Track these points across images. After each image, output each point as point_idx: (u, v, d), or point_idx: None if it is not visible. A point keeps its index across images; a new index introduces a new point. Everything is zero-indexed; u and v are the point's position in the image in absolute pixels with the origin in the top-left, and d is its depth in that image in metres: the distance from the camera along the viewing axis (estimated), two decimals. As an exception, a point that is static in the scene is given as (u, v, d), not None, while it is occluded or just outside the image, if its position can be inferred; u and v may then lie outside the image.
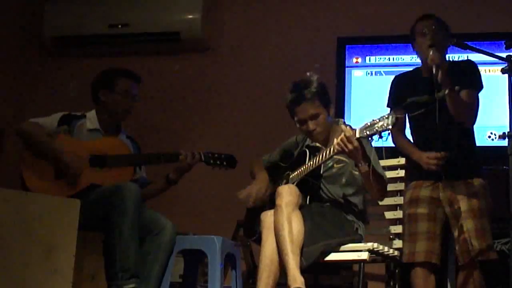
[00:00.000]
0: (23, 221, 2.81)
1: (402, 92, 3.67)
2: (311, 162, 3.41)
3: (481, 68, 4.58)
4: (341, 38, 5.04)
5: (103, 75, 3.74)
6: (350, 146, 3.15)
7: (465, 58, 3.72)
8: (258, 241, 3.47)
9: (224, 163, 3.75)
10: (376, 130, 3.08)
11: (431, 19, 3.66)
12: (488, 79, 4.46)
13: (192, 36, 5.23)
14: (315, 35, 5.20)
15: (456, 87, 3.39)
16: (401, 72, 3.84)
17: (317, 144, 3.57)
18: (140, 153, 3.82)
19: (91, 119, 3.68)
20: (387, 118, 3.05)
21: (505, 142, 3.08)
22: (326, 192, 3.49)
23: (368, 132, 3.12)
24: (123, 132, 3.80)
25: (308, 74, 3.56)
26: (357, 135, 3.16)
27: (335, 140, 3.24)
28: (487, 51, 3.33)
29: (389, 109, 3.70)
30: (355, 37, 5.05)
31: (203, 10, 5.21)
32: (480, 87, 3.61)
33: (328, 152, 3.31)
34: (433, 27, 3.55)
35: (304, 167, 3.46)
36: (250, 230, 3.65)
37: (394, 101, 3.72)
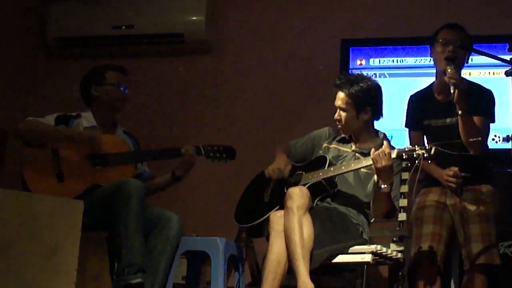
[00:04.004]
0: (27, 222, 2.81)
1: (418, 114, 3.72)
2: (343, 167, 3.41)
3: (485, 71, 4.62)
4: (345, 40, 5.03)
5: (91, 73, 3.77)
6: (384, 163, 3.17)
7: (487, 87, 3.72)
8: (253, 232, 3.47)
9: (224, 155, 3.75)
10: (414, 157, 3.12)
11: (458, 30, 3.64)
12: (491, 81, 4.46)
13: (196, 37, 5.23)
14: (319, 37, 5.20)
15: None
16: (416, 92, 3.84)
17: (345, 149, 3.59)
18: (139, 147, 3.83)
19: (87, 118, 3.68)
20: (428, 149, 3.10)
21: (509, 145, 3.08)
22: (344, 198, 3.49)
23: (405, 156, 3.16)
24: (120, 127, 3.80)
25: (367, 75, 3.64)
26: (394, 155, 3.18)
27: (372, 151, 3.24)
28: (491, 53, 3.33)
29: (407, 129, 3.77)
30: (359, 39, 5.05)
31: (207, 11, 5.21)
32: (493, 119, 3.64)
33: (363, 162, 3.34)
34: (458, 40, 3.54)
35: (324, 170, 3.45)
36: (244, 217, 3.60)
37: (412, 122, 3.77)
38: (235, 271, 3.71)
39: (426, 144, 3.16)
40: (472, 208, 3.48)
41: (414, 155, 3.12)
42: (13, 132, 3.57)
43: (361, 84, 3.49)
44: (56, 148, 3.49)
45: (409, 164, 3.24)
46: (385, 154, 3.17)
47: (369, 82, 3.53)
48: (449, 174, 3.49)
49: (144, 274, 3.20)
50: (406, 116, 3.80)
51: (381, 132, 3.60)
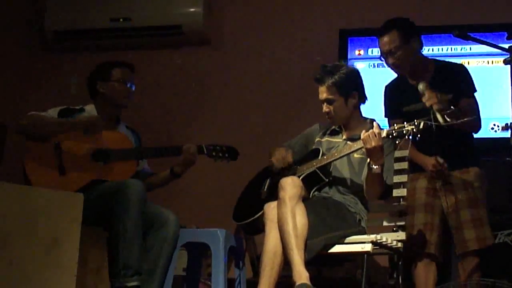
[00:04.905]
0: (27, 215, 2.82)
1: (395, 102, 3.73)
2: (335, 153, 3.42)
3: (483, 60, 4.62)
4: (343, 30, 5.03)
5: (98, 68, 3.76)
6: (374, 143, 3.18)
7: (456, 62, 3.75)
8: (250, 230, 3.47)
9: (226, 155, 3.76)
10: (404, 133, 3.12)
11: (385, 35, 3.63)
12: (490, 70, 4.46)
13: (194, 29, 5.23)
14: (317, 27, 5.20)
15: (449, 96, 3.42)
16: (390, 82, 3.86)
17: (336, 139, 3.60)
18: (140, 143, 3.83)
19: (90, 113, 3.66)
20: (417, 124, 3.10)
21: (507, 133, 3.09)
22: (341, 186, 3.49)
23: (395, 134, 3.16)
24: (122, 123, 3.79)
25: (342, 62, 3.67)
26: (384, 135, 3.19)
27: (363, 132, 3.25)
28: (490, 42, 3.33)
29: (386, 119, 3.78)
30: (357, 29, 5.04)
31: (205, 3, 5.21)
32: (475, 90, 3.65)
33: (354, 146, 3.34)
34: (389, 48, 3.58)
35: (317, 160, 3.46)
36: (241, 215, 3.60)
37: (390, 112, 3.77)
38: (236, 263, 3.72)
39: (416, 122, 3.14)
40: (461, 193, 3.51)
41: (404, 132, 3.14)
42: (16, 127, 3.56)
43: (341, 71, 3.51)
44: (58, 142, 3.49)
45: (399, 141, 3.25)
46: (375, 135, 3.19)
47: (348, 68, 3.58)
48: (435, 165, 3.50)
49: (140, 277, 3.20)
50: (385, 106, 3.83)
51: (369, 119, 3.62)
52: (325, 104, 3.53)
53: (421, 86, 3.34)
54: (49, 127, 3.51)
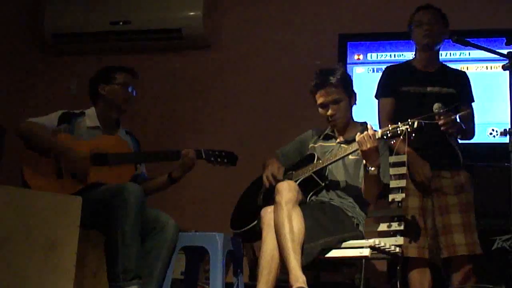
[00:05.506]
0: (25, 219, 2.82)
1: (395, 82, 3.73)
2: (331, 157, 3.43)
3: (482, 65, 4.64)
4: (342, 35, 5.03)
5: (101, 71, 3.77)
6: (369, 145, 3.19)
7: (460, 69, 3.83)
8: (248, 237, 3.46)
9: (225, 160, 3.76)
10: (398, 133, 3.13)
11: (429, 9, 3.73)
12: (489, 76, 4.47)
13: (194, 32, 5.23)
14: (317, 32, 5.21)
15: (451, 90, 3.56)
16: (393, 64, 3.88)
17: (330, 144, 3.60)
18: (139, 148, 3.83)
19: (91, 117, 3.68)
20: (411, 124, 3.11)
21: (506, 139, 3.09)
22: (339, 189, 3.50)
23: (390, 134, 3.16)
24: (122, 128, 3.80)
25: (336, 64, 3.72)
26: (378, 136, 3.20)
27: (358, 134, 3.26)
28: (488, 47, 3.34)
29: (377, 100, 3.80)
30: (356, 34, 5.05)
31: (204, 6, 5.21)
32: (473, 100, 3.76)
33: (349, 149, 3.35)
34: (429, 18, 3.66)
35: (313, 164, 3.47)
36: (238, 223, 3.61)
37: (386, 89, 3.76)
38: (234, 266, 3.72)
39: (410, 121, 3.16)
40: (452, 196, 3.53)
41: (398, 132, 3.15)
42: (15, 131, 3.57)
43: (340, 70, 3.56)
44: None
45: (393, 142, 3.27)
46: (370, 136, 3.20)
47: (343, 68, 3.64)
48: (425, 173, 3.52)
49: (139, 281, 3.20)
50: (378, 86, 3.83)
51: (360, 122, 3.63)
52: (330, 106, 3.52)
53: (436, 106, 3.35)
54: (40, 144, 3.50)
